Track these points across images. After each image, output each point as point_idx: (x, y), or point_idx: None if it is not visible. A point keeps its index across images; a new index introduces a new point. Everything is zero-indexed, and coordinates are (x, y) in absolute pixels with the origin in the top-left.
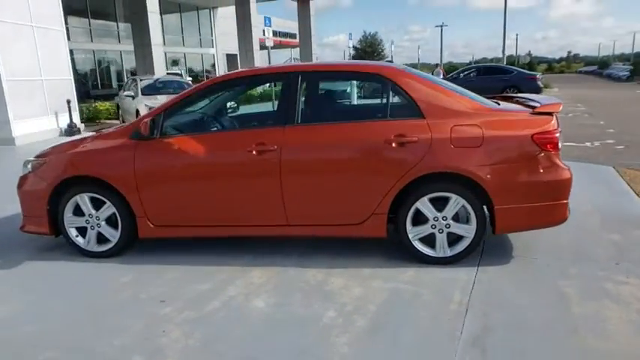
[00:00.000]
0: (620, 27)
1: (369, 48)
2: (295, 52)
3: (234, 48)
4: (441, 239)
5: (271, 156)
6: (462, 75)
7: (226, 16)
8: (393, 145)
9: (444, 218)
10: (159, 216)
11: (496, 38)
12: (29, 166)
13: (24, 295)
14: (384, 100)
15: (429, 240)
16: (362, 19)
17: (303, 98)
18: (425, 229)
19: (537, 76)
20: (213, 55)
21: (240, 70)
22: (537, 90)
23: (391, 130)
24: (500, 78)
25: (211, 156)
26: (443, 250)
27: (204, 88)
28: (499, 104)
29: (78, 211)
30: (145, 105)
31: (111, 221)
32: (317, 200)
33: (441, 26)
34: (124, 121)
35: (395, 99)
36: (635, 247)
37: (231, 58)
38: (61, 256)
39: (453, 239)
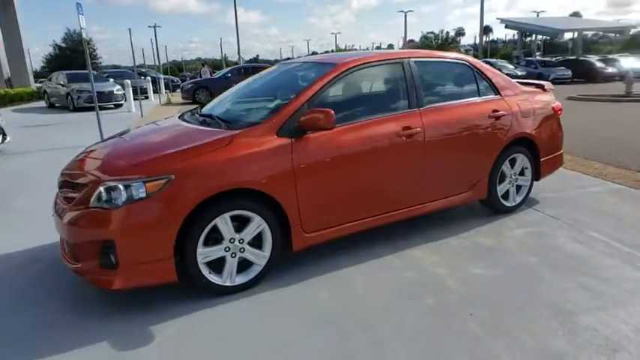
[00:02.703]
0: (282, 35)
1: (80, 47)
2: None
3: None
4: (513, 192)
5: (417, 138)
6: (230, 75)
7: None
8: (494, 119)
9: (514, 174)
10: (312, 221)
11: (180, 42)
12: (141, 189)
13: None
14: (471, 82)
15: (504, 194)
16: (33, 15)
17: (421, 82)
18: (505, 186)
19: None
20: None
21: (365, 54)
22: None
23: (489, 106)
24: None
25: (370, 145)
26: (514, 200)
27: (339, 74)
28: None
29: (208, 240)
30: None
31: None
32: (445, 175)
33: (154, 27)
34: None
35: (478, 81)
36: (574, 185)
37: None
38: (176, 307)
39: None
